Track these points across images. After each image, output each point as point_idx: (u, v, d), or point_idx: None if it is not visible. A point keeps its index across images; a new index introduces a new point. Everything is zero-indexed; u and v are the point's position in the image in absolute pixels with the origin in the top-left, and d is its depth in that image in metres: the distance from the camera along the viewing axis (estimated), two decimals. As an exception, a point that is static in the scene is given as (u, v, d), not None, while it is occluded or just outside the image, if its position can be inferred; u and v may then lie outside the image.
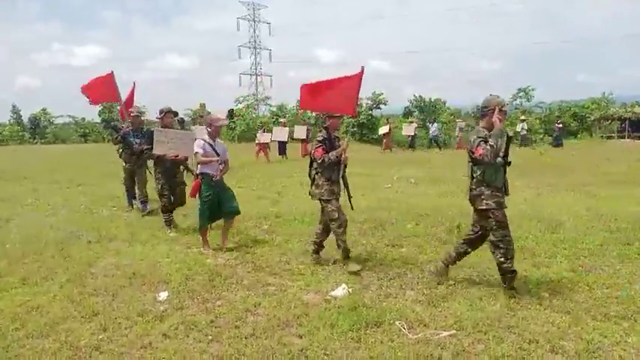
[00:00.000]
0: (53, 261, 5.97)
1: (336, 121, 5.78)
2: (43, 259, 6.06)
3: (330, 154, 5.55)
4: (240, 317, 4.32)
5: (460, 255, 5.14)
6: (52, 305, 4.61)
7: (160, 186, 7.44)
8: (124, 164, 9.12)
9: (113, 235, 7.28)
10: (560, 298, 4.60)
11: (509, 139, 4.66)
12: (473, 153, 4.60)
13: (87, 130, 42.65)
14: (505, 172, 4.73)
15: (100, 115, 42.27)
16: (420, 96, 37.90)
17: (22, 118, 45.16)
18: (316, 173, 5.69)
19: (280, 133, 21.05)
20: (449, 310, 4.40)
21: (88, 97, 9.55)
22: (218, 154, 6.27)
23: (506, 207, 4.69)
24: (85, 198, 10.88)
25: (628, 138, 32.48)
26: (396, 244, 6.59)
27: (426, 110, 36.34)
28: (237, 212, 6.48)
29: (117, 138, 8.81)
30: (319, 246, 5.92)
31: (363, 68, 5.60)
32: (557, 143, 26.01)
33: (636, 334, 3.86)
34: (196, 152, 6.16)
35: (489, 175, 4.65)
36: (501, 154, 4.56)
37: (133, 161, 8.79)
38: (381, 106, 37.38)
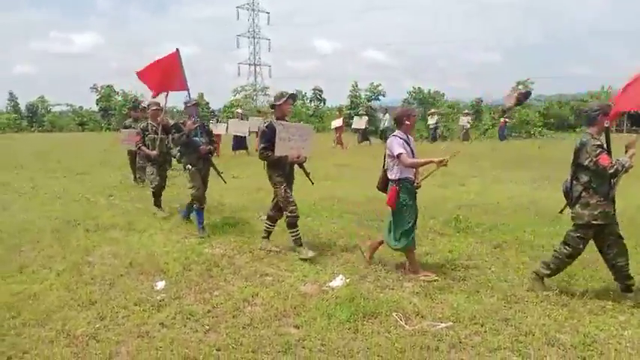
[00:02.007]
0: (50, 249, 5.96)
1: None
2: (39, 247, 6.05)
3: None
4: (237, 307, 4.32)
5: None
6: (48, 294, 4.61)
7: (285, 194, 5.73)
8: (188, 167, 6.91)
9: (110, 224, 7.26)
10: (557, 291, 4.60)
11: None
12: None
13: (84, 119, 42.43)
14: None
15: (97, 104, 42.03)
16: (418, 88, 37.77)
17: (20, 106, 44.91)
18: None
19: (238, 126, 18.00)
20: (446, 302, 4.41)
21: (147, 85, 7.63)
22: (414, 153, 5.12)
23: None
24: (83, 186, 10.85)
25: (626, 132, 32.51)
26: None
27: (425, 102, 36.21)
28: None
29: (180, 138, 6.88)
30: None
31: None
32: (502, 137, 25.95)
33: (632, 328, 3.88)
34: (400, 153, 4.91)
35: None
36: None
37: (202, 164, 6.99)
38: (380, 97, 37.32)
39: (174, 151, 7.23)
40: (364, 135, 22.69)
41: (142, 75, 7.45)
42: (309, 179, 6.16)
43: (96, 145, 21.47)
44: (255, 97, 46.44)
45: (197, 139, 6.90)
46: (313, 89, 42.14)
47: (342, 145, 21.14)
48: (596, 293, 4.56)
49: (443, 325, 3.94)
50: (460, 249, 5.97)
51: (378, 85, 37.11)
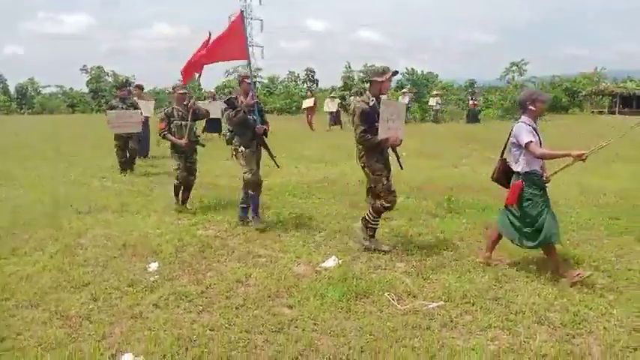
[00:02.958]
0: (42, 232, 5.94)
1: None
2: (32, 229, 6.02)
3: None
4: (230, 288, 4.34)
5: None
6: (41, 275, 4.60)
7: (387, 183, 5.25)
8: (241, 150, 6.13)
9: (103, 206, 7.24)
10: (548, 270, 4.65)
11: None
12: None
13: (75, 101, 42.03)
14: None
15: (87, 85, 41.64)
16: (412, 69, 37.62)
17: (9, 87, 44.39)
18: None
19: (210, 108, 17.42)
20: (438, 281, 4.45)
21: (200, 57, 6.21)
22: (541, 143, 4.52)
23: None
24: (75, 169, 10.79)
25: (618, 114, 32.61)
26: (386, 217, 6.60)
27: (418, 83, 36.11)
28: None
29: (235, 116, 6.01)
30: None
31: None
32: (471, 120, 25.65)
33: (621, 306, 3.94)
34: (529, 142, 4.37)
35: None
36: None
37: (255, 146, 6.27)
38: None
39: (226, 131, 6.52)
40: (336, 119, 21.81)
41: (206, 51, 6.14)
42: (400, 164, 5.53)
43: (87, 127, 21.28)
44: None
45: (252, 118, 6.15)
46: (306, 70, 41.93)
47: (311, 126, 20.70)
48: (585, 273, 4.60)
49: (434, 304, 3.98)
50: (452, 229, 6.01)
51: (371, 66, 36.92)
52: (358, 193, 7.81)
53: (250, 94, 6.25)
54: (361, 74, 36.91)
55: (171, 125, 7.03)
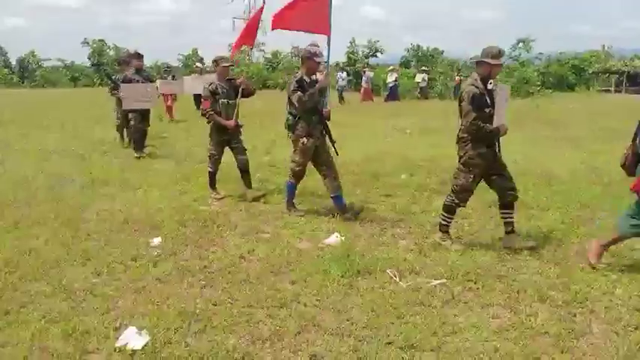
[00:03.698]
0: (45, 205, 5.94)
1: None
2: (35, 203, 6.03)
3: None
4: (233, 263, 4.35)
5: None
6: (44, 249, 4.61)
7: (471, 184, 4.68)
8: (303, 141, 5.52)
9: (105, 180, 7.23)
10: (551, 249, 4.65)
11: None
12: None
13: (76, 74, 41.77)
14: None
15: (89, 59, 41.32)
16: (417, 45, 37.23)
17: (10, 60, 44.07)
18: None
19: (196, 83, 14.80)
20: (440, 259, 4.45)
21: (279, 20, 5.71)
22: None
23: None
24: (77, 142, 10.76)
25: (625, 92, 32.26)
26: (389, 194, 6.60)
27: (423, 60, 35.74)
28: None
29: (312, 97, 5.39)
30: None
31: None
32: (458, 96, 25.28)
33: (623, 286, 3.93)
34: None
35: None
36: None
37: (319, 132, 5.64)
38: (378, 54, 36.77)
39: (288, 116, 5.57)
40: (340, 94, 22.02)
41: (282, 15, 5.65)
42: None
43: (89, 100, 21.17)
44: (250, 53, 45.61)
45: (323, 97, 5.61)
46: (310, 45, 41.48)
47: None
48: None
49: (436, 281, 3.98)
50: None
51: (376, 42, 36.51)
52: (363, 172, 7.79)
53: (324, 71, 5.87)
54: (365, 50, 36.45)
55: (217, 104, 6.22)
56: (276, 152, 9.14)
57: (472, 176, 4.60)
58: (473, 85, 4.51)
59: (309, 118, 5.48)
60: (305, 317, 3.43)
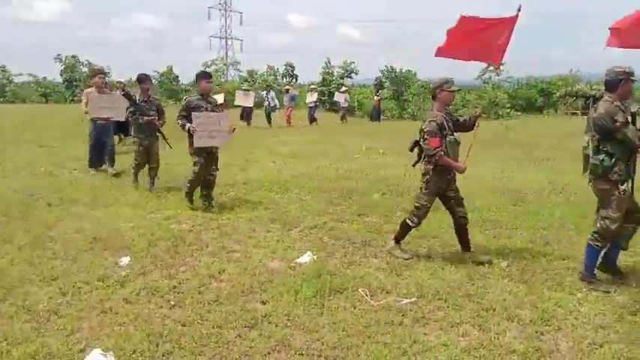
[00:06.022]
0: (12, 223, 5.78)
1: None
2: (1, 221, 5.86)
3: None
4: (203, 283, 4.30)
5: None
6: (10, 268, 4.49)
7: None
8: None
9: (75, 198, 7.08)
10: (519, 268, 4.73)
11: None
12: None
13: (48, 90, 41.05)
14: None
15: (61, 75, 40.68)
16: (391, 67, 37.73)
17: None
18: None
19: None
20: (411, 278, 4.49)
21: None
22: None
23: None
24: (47, 159, 10.53)
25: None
26: (362, 214, 6.64)
27: (396, 82, 36.23)
28: None
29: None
30: None
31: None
32: (375, 118, 24.92)
33: (589, 304, 4.02)
34: None
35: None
36: None
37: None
38: (352, 75, 37.20)
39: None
40: (249, 114, 19.86)
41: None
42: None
43: (60, 117, 20.80)
44: (225, 72, 45.70)
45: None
46: (285, 65, 41.75)
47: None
48: (555, 271, 4.69)
49: (407, 300, 4.01)
50: (426, 226, 6.04)
51: (351, 63, 36.95)
52: (335, 189, 7.83)
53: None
54: (340, 70, 36.82)
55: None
56: (250, 171, 9.12)
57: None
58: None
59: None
60: (275, 337, 3.40)
